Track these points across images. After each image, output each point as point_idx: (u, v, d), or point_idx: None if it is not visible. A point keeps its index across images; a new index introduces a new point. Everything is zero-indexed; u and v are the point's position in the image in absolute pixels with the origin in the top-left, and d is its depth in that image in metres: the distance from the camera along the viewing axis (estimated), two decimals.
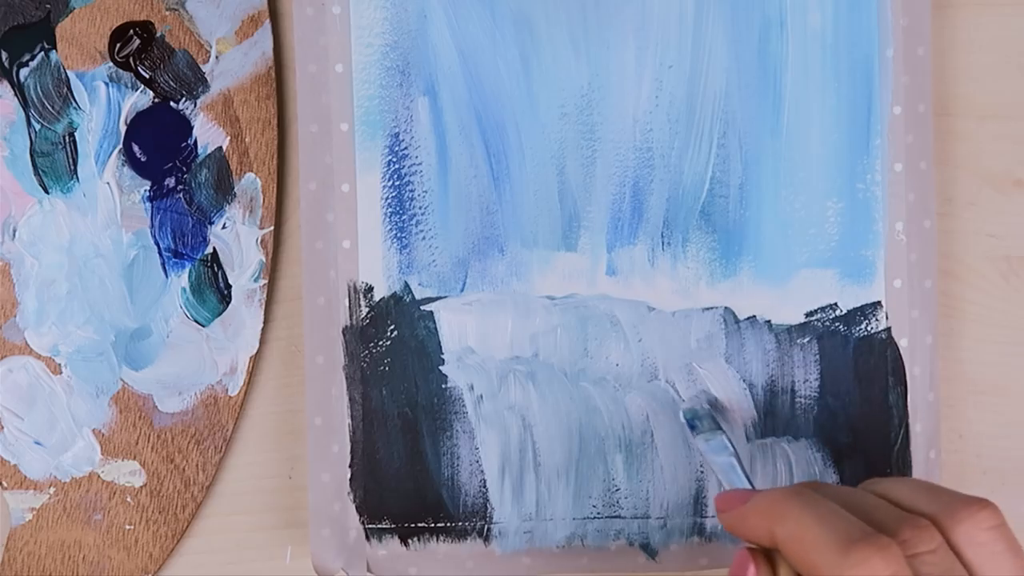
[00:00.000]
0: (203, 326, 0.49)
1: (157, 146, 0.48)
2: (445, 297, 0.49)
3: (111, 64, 0.48)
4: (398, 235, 0.48)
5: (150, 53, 0.48)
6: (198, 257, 0.49)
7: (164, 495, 0.49)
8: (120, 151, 0.48)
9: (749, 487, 0.44)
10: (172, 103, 0.48)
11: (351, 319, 0.48)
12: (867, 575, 0.35)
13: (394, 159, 0.48)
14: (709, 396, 0.48)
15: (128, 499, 0.49)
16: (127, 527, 0.49)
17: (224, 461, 0.50)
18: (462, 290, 0.49)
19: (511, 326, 0.49)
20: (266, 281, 0.49)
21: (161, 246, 0.48)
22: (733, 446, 0.46)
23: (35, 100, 0.48)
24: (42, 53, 0.48)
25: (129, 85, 0.48)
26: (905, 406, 0.49)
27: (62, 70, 0.48)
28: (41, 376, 0.48)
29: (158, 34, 0.48)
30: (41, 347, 0.48)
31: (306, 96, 0.48)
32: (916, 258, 0.49)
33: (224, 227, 0.49)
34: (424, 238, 0.48)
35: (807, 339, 0.49)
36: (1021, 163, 0.51)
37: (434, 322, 0.49)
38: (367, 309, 0.48)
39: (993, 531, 0.38)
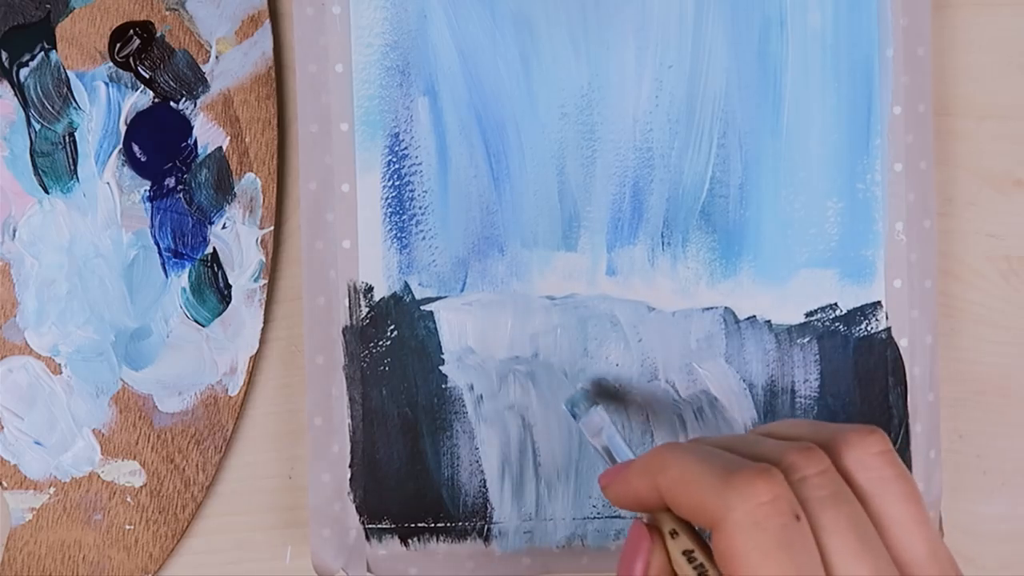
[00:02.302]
0: (203, 326, 0.49)
1: (157, 146, 0.48)
2: (445, 297, 0.49)
3: (111, 64, 0.48)
4: (398, 235, 0.48)
5: (150, 53, 0.48)
6: (198, 257, 0.49)
7: (164, 495, 0.49)
8: (120, 151, 0.48)
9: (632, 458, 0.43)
10: (172, 103, 0.48)
11: (351, 319, 0.48)
12: (752, 501, 0.34)
13: (394, 159, 0.48)
14: (594, 383, 0.48)
15: (128, 499, 0.49)
16: (127, 527, 0.49)
17: (224, 461, 0.50)
18: (462, 290, 0.49)
19: (511, 326, 0.49)
20: (266, 281, 0.49)
21: (161, 246, 0.48)
22: (611, 420, 0.45)
23: (35, 100, 0.48)
24: (42, 53, 0.48)
25: (129, 85, 0.48)
26: (905, 406, 0.49)
27: (62, 70, 0.48)
28: (41, 376, 0.48)
29: (158, 34, 0.48)
30: (41, 347, 0.48)
31: (306, 96, 0.48)
32: (916, 258, 0.49)
33: (224, 227, 0.49)
34: (424, 238, 0.48)
35: (807, 339, 0.49)
36: (1021, 163, 0.51)
37: (434, 322, 0.49)
38: (367, 309, 0.48)
39: (881, 456, 0.37)
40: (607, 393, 0.48)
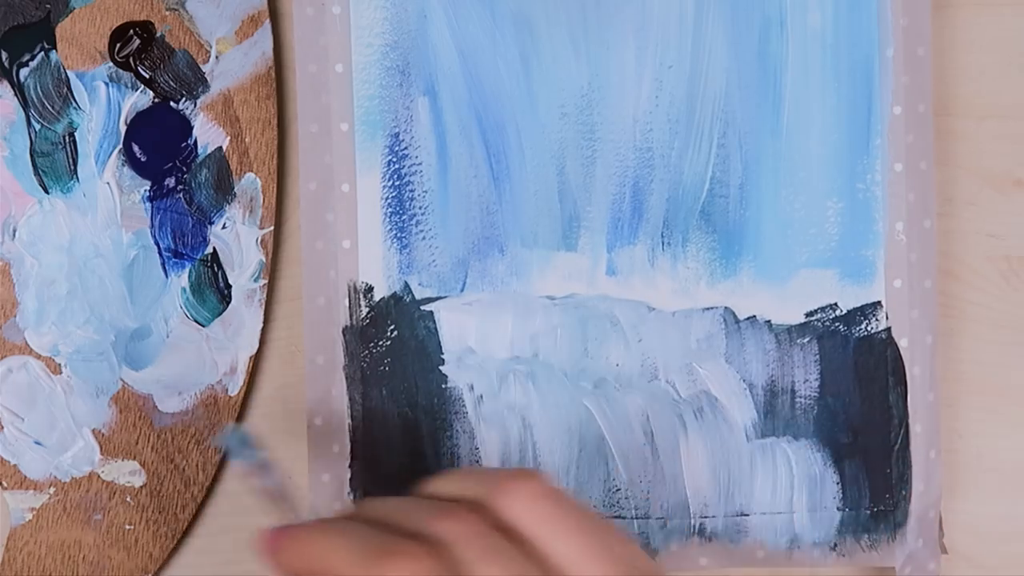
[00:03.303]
0: (203, 326, 0.49)
1: (157, 146, 0.48)
2: (445, 297, 0.49)
3: (111, 64, 0.48)
4: (398, 235, 0.48)
5: (150, 53, 0.48)
6: (198, 257, 0.49)
7: (164, 495, 0.49)
8: (120, 151, 0.48)
9: (292, 515, 0.42)
10: (172, 103, 0.48)
11: (351, 319, 0.48)
12: None
13: (394, 159, 0.48)
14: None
15: (128, 499, 0.49)
16: (127, 527, 0.49)
17: (224, 461, 0.50)
18: (462, 290, 0.49)
19: (511, 326, 0.49)
20: (266, 281, 0.49)
21: (161, 246, 0.48)
22: (274, 466, 0.43)
23: (35, 100, 0.48)
24: (42, 53, 0.48)
25: (129, 85, 0.48)
26: (905, 406, 0.49)
27: (62, 70, 0.48)
28: (41, 376, 0.48)
29: (158, 34, 0.48)
30: (41, 347, 0.48)
31: (306, 96, 0.48)
32: (916, 258, 0.49)
33: (224, 227, 0.49)
34: (424, 238, 0.48)
35: (807, 339, 0.49)
36: (1021, 163, 0.51)
37: (434, 322, 0.49)
38: (367, 309, 0.48)
39: (539, 499, 0.37)
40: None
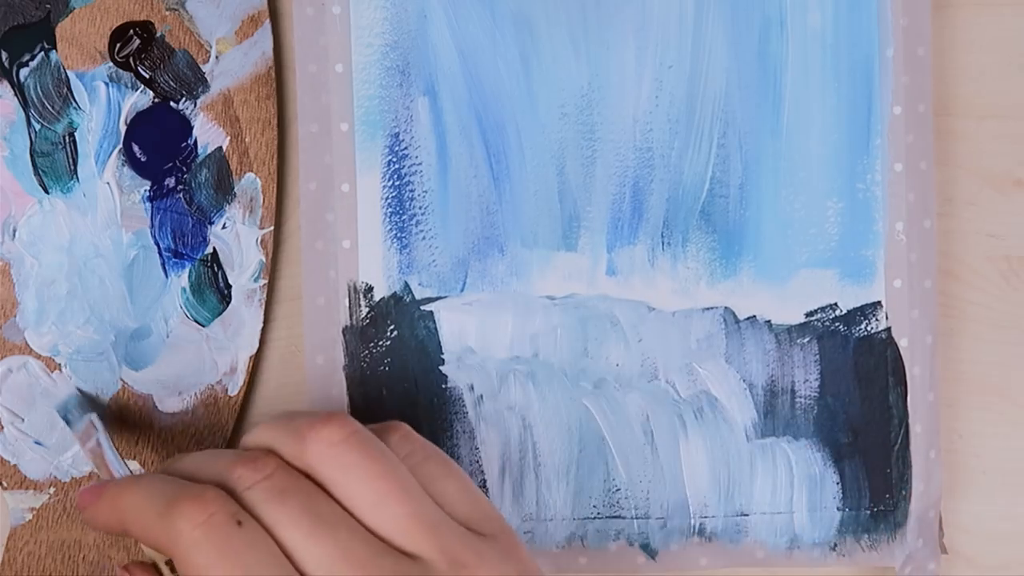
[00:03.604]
0: (203, 326, 0.49)
1: (157, 146, 0.48)
2: (445, 297, 0.49)
3: (111, 64, 0.48)
4: (398, 235, 0.48)
5: (150, 53, 0.48)
6: (198, 257, 0.49)
7: None
8: (120, 151, 0.48)
9: (117, 471, 0.44)
10: (172, 103, 0.48)
11: (351, 319, 0.48)
12: (190, 524, 0.36)
13: (394, 159, 0.48)
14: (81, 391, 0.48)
15: None
16: None
17: None
18: (462, 290, 0.49)
19: (511, 326, 0.49)
20: (266, 281, 0.49)
21: (161, 246, 0.48)
22: (102, 427, 0.45)
23: (35, 100, 0.48)
24: (42, 53, 0.48)
25: (129, 85, 0.48)
26: (905, 406, 0.49)
27: (62, 70, 0.48)
28: (41, 376, 0.48)
29: (158, 34, 0.48)
30: (41, 347, 0.48)
31: (306, 96, 0.48)
32: (916, 258, 0.49)
33: (224, 227, 0.49)
34: (424, 238, 0.48)
35: (807, 339, 0.49)
36: (1021, 163, 0.51)
37: (434, 322, 0.49)
38: (367, 309, 0.48)
39: (341, 444, 0.38)
40: (95, 401, 0.48)
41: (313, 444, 0.38)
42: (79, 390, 0.47)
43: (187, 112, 0.48)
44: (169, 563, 0.40)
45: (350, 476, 0.38)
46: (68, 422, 0.46)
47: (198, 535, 0.36)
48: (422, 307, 0.49)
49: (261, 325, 0.49)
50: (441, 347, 0.49)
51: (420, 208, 0.48)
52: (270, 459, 0.38)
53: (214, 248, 0.49)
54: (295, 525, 0.37)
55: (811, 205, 0.49)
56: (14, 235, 0.48)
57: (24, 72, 0.48)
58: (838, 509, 0.49)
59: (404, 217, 0.48)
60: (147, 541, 0.39)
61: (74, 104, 0.48)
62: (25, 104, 0.48)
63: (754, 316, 0.49)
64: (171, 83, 0.48)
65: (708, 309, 0.49)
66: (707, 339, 0.49)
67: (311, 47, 0.48)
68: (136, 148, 0.48)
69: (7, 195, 0.48)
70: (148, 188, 0.48)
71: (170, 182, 0.48)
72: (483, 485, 0.49)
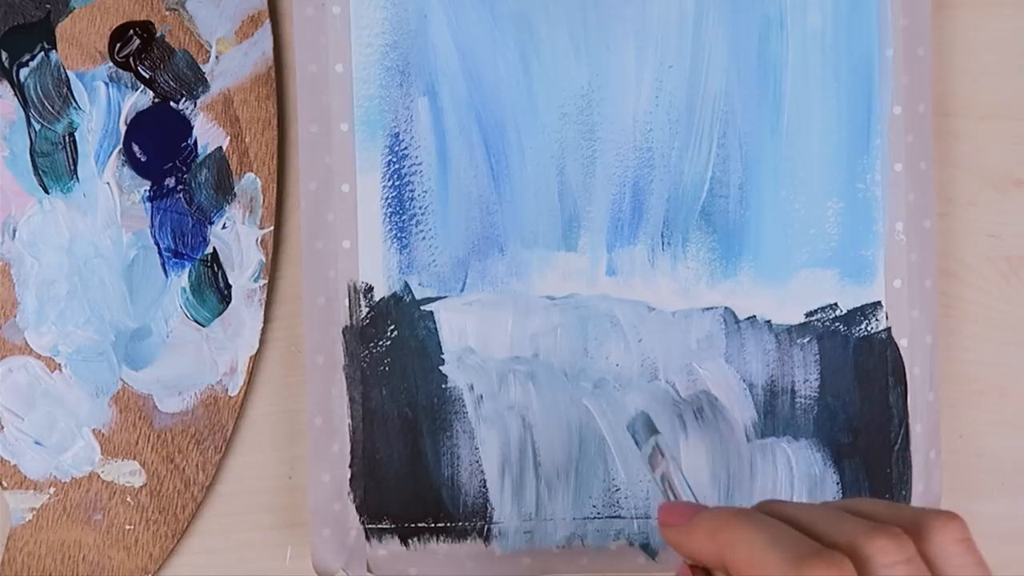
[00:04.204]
0: (203, 326, 0.49)
1: (157, 146, 0.48)
2: (445, 297, 0.49)
3: (111, 64, 0.48)
4: (398, 235, 0.48)
5: (150, 53, 0.48)
6: (198, 257, 0.49)
7: (164, 495, 0.49)
8: (120, 151, 0.48)
9: (691, 498, 0.42)
10: (172, 103, 0.48)
11: (351, 319, 0.48)
12: None
13: (394, 159, 0.48)
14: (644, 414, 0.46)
15: (128, 499, 0.49)
16: (127, 527, 0.49)
17: (224, 461, 0.50)
18: (462, 290, 0.49)
19: (511, 326, 0.49)
20: (266, 281, 0.49)
21: (161, 246, 0.48)
22: (668, 452, 0.43)
23: (35, 100, 0.48)
24: (42, 53, 0.48)
25: (129, 85, 0.48)
26: (905, 406, 0.49)
27: (62, 70, 0.48)
28: (41, 376, 0.48)
29: (158, 34, 0.48)
30: (41, 347, 0.48)
31: (306, 96, 0.48)
32: (916, 258, 0.49)
33: (224, 227, 0.49)
34: (424, 238, 0.48)
35: (807, 339, 0.49)
36: (1021, 163, 0.51)
37: (434, 322, 0.49)
38: (367, 309, 0.48)
39: (963, 543, 0.37)
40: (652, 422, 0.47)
41: (940, 536, 0.36)
42: (644, 413, 0.45)
43: (187, 112, 0.48)
44: None
45: None
46: (636, 442, 0.44)
47: None
48: (422, 307, 0.49)
49: (261, 325, 0.49)
50: (441, 347, 0.49)
51: (420, 208, 0.48)
52: (908, 541, 0.36)
53: (214, 248, 0.49)
54: None
55: (811, 205, 0.49)
56: (14, 235, 0.48)
57: (24, 72, 0.48)
58: None
59: (404, 217, 0.48)
60: None
61: (74, 104, 0.48)
62: (25, 104, 0.48)
63: (754, 316, 0.49)
64: (171, 83, 0.48)
65: (708, 309, 0.49)
66: (707, 339, 0.49)
67: (311, 47, 0.48)
68: (136, 148, 0.48)
69: (7, 195, 0.48)
70: (148, 188, 0.48)
71: (170, 182, 0.48)
72: (483, 485, 0.49)
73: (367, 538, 0.48)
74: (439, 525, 0.49)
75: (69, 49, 0.48)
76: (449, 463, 0.49)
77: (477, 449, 0.49)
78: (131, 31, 0.48)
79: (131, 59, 0.48)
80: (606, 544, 0.49)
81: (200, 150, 0.48)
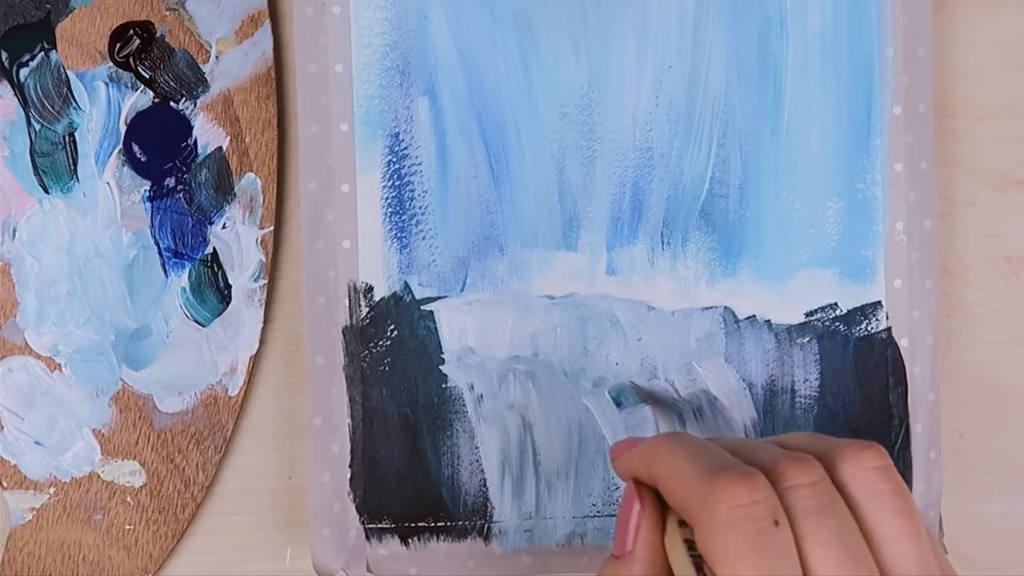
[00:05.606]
0: (203, 326, 0.49)
1: (157, 146, 0.48)
2: (445, 297, 0.49)
3: (111, 64, 0.48)
4: (398, 235, 0.48)
5: (150, 53, 0.48)
6: (198, 257, 0.49)
7: (164, 495, 0.49)
8: (120, 151, 0.48)
9: None
10: (172, 103, 0.48)
11: (351, 319, 0.48)
12: (730, 502, 0.35)
13: (394, 159, 0.48)
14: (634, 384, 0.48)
15: (128, 499, 0.49)
16: (127, 527, 0.49)
17: (224, 461, 0.50)
18: (462, 290, 0.49)
19: (511, 326, 0.49)
20: (266, 281, 0.49)
21: (161, 246, 0.48)
22: (656, 421, 0.45)
23: (35, 100, 0.48)
24: (42, 53, 0.48)
25: (129, 85, 0.48)
26: (905, 406, 0.49)
27: (62, 70, 0.48)
28: (41, 376, 0.48)
29: (158, 34, 0.48)
30: (41, 347, 0.48)
31: (306, 96, 0.48)
32: (916, 258, 0.49)
33: (224, 227, 0.49)
34: (424, 238, 0.49)
35: (807, 339, 0.49)
36: (1021, 163, 0.51)
37: (434, 322, 0.49)
38: (367, 309, 0.48)
39: (877, 471, 0.37)
40: (650, 397, 0.48)
41: (850, 464, 0.37)
42: (632, 383, 0.47)
43: (187, 112, 0.48)
44: (681, 522, 0.38)
45: (878, 503, 0.36)
46: (618, 404, 0.46)
47: (735, 516, 0.35)
48: (422, 307, 0.49)
49: (261, 325, 0.49)
50: (441, 347, 0.49)
51: (420, 208, 0.48)
52: (817, 466, 0.36)
53: (214, 248, 0.49)
54: (825, 547, 0.35)
55: (811, 205, 0.49)
56: (14, 235, 0.48)
57: (24, 72, 0.48)
58: None
59: (404, 217, 0.48)
60: (674, 495, 0.37)
61: (74, 104, 0.48)
62: (25, 104, 0.48)
63: (754, 316, 0.49)
64: (171, 83, 0.48)
65: (708, 309, 0.49)
66: (707, 338, 0.49)
67: (311, 47, 0.48)
68: (136, 148, 0.48)
69: (7, 195, 0.48)
70: (148, 188, 0.48)
71: (170, 182, 0.48)
72: (483, 484, 0.49)
73: (367, 538, 0.48)
74: (439, 524, 0.49)
75: (69, 49, 0.48)
76: (449, 463, 0.49)
77: (477, 448, 0.49)
78: (131, 31, 0.48)
79: (131, 59, 0.48)
80: (606, 543, 0.49)
81: (200, 150, 0.49)
